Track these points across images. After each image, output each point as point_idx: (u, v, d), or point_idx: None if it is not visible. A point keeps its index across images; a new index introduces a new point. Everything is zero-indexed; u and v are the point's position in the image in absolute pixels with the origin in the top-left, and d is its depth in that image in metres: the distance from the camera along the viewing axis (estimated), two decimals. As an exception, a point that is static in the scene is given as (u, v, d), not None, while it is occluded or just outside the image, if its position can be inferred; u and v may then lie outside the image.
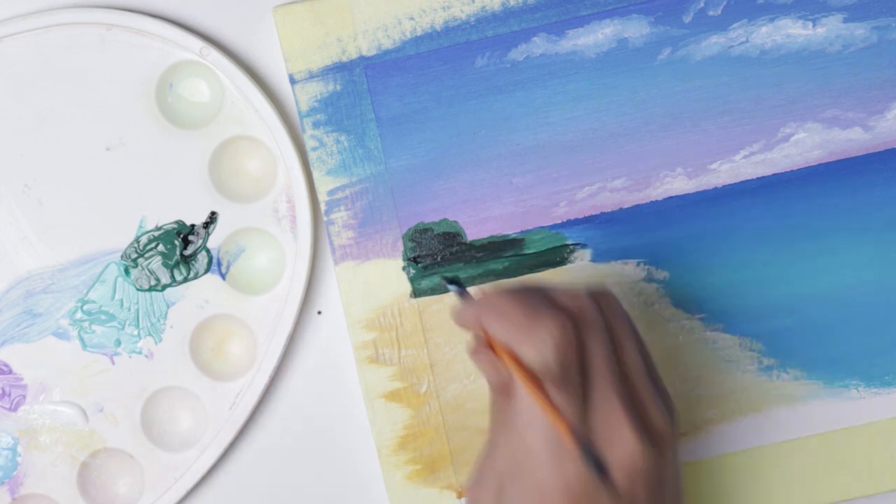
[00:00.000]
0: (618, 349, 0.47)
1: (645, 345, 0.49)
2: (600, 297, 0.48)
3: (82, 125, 0.58)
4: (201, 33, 0.58)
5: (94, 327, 0.59)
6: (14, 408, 0.59)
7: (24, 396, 0.59)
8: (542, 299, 0.46)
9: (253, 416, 0.58)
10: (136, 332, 0.59)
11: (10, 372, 0.59)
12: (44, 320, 0.59)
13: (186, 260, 0.58)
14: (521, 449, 0.45)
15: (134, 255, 0.59)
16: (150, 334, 0.59)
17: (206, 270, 0.59)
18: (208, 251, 0.59)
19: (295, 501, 0.59)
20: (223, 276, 0.59)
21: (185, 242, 0.59)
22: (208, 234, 0.59)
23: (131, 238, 0.59)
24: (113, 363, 0.59)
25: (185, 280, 0.58)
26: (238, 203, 0.58)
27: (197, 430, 0.59)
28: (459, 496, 0.57)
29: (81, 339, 0.59)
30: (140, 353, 0.59)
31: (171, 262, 0.59)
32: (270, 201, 0.58)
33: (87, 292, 0.59)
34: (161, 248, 0.59)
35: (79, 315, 0.59)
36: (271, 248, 0.59)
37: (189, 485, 0.58)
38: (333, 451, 0.59)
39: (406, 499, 0.56)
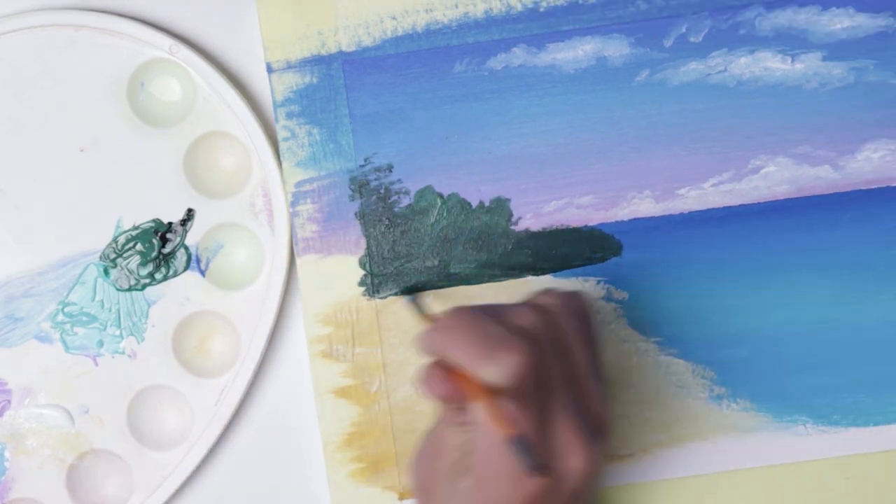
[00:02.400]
0: (567, 355, 0.49)
1: (594, 340, 0.52)
2: (552, 308, 0.50)
3: (55, 127, 0.59)
4: (171, 31, 0.58)
5: (75, 329, 0.60)
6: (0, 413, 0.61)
7: (9, 401, 0.60)
8: (499, 324, 0.48)
9: (238, 412, 0.59)
10: (118, 333, 0.60)
11: None
12: (25, 324, 0.60)
13: (165, 258, 0.59)
14: (479, 459, 0.47)
15: (112, 256, 0.59)
16: (132, 334, 0.60)
17: (186, 268, 0.59)
18: (186, 248, 0.59)
19: (279, 494, 0.59)
20: (203, 273, 0.59)
21: (163, 241, 0.59)
22: (186, 232, 0.59)
23: (109, 238, 0.59)
24: (96, 364, 0.60)
25: (165, 278, 0.59)
26: (214, 199, 0.59)
27: (183, 427, 0.60)
28: (401, 497, 0.57)
29: (64, 342, 0.60)
30: (123, 353, 0.60)
31: (150, 261, 0.60)
32: (247, 196, 0.59)
33: (68, 294, 0.60)
34: (139, 247, 0.59)
35: (60, 317, 0.60)
36: (249, 243, 0.59)
37: (178, 482, 0.59)
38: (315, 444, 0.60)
39: (347, 496, 0.57)
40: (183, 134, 0.59)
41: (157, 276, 0.60)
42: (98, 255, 0.59)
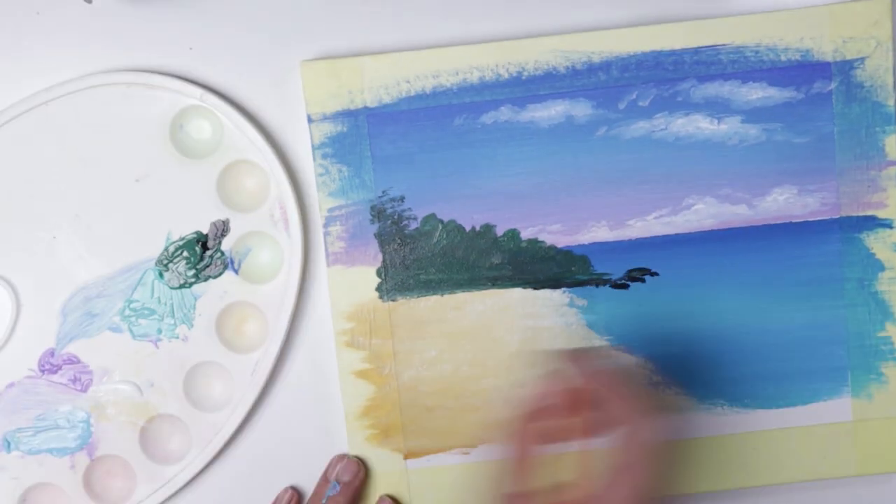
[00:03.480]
0: None
1: None
2: None
3: (115, 163, 0.62)
4: (200, 83, 0.62)
5: (139, 321, 0.63)
6: (84, 389, 0.63)
7: (91, 380, 0.63)
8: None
9: (270, 380, 0.63)
10: (172, 322, 0.63)
11: (79, 361, 0.63)
12: (100, 319, 0.63)
13: (206, 261, 0.62)
14: None
15: (165, 262, 0.62)
16: (183, 322, 0.63)
17: (224, 269, 0.63)
18: (223, 252, 0.63)
19: (308, 451, 0.64)
20: (236, 272, 0.63)
21: (204, 248, 0.62)
22: (221, 242, 0.62)
23: (161, 248, 0.63)
24: (157, 347, 0.63)
25: (207, 278, 0.63)
26: (242, 213, 0.62)
27: (228, 393, 0.63)
28: (405, 458, 0.62)
29: (131, 331, 0.63)
30: (177, 337, 0.63)
31: (195, 264, 0.63)
32: (267, 209, 0.62)
33: (132, 294, 0.63)
34: (185, 254, 0.62)
35: (127, 312, 0.63)
36: (271, 246, 0.63)
37: (226, 437, 0.63)
38: (324, 411, 0.63)
39: (364, 455, 0.62)
40: (214, 163, 0.62)
41: (201, 275, 0.62)
42: (154, 261, 0.63)
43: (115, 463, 0.64)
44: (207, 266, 0.62)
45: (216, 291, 0.63)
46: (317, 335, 0.64)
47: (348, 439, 0.63)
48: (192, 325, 0.63)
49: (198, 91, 0.61)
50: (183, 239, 0.63)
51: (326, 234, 0.62)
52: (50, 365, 0.63)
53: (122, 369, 0.63)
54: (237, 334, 0.64)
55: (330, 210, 0.62)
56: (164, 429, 0.64)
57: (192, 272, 0.63)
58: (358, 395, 0.63)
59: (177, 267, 0.63)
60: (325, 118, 0.61)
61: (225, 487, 0.64)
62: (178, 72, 0.62)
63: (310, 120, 0.61)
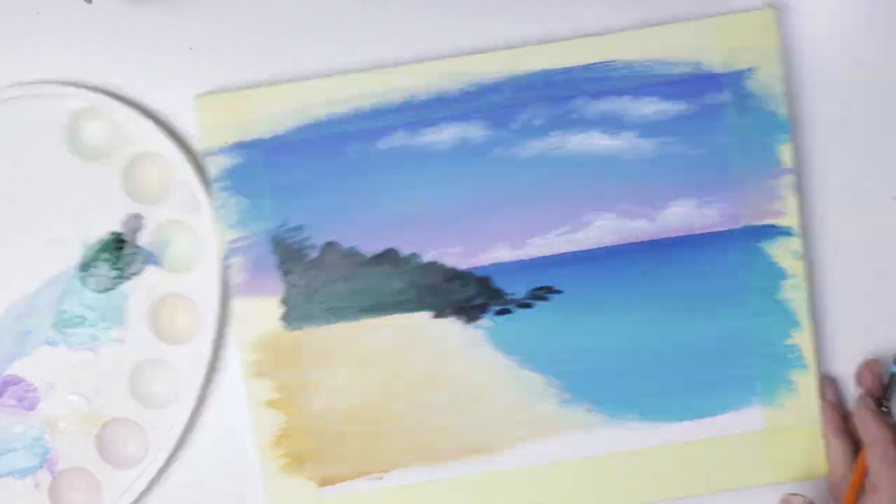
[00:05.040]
0: None
1: None
2: None
3: (16, 177, 0.63)
4: (92, 86, 0.63)
5: (73, 330, 0.64)
6: (32, 407, 0.64)
7: (37, 397, 0.64)
8: None
9: (210, 370, 0.64)
10: (106, 326, 0.64)
11: (22, 381, 0.64)
12: (34, 335, 0.64)
13: (127, 259, 0.64)
14: None
15: (86, 267, 0.64)
16: (116, 324, 0.64)
17: (145, 264, 0.64)
18: (141, 248, 0.64)
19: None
20: (159, 265, 0.64)
21: (122, 246, 0.64)
22: (137, 234, 0.64)
23: (81, 255, 0.64)
24: (96, 354, 0.64)
25: (131, 276, 0.64)
26: (152, 204, 0.64)
27: (174, 387, 0.64)
28: (319, 485, 0.63)
29: (67, 342, 0.64)
30: (114, 340, 0.64)
31: (116, 265, 0.64)
32: (178, 197, 0.64)
33: (60, 304, 0.64)
34: (105, 255, 0.64)
35: (59, 324, 0.64)
36: (188, 233, 0.64)
37: (179, 432, 0.64)
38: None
39: (278, 485, 0.63)
40: (117, 162, 0.63)
41: (125, 275, 0.63)
42: (75, 268, 0.64)
43: (78, 476, 0.65)
44: (129, 264, 0.63)
45: (143, 288, 0.64)
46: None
47: (262, 469, 0.64)
48: (125, 326, 0.64)
49: (87, 93, 0.63)
50: (100, 241, 0.64)
51: (228, 266, 0.63)
52: (-7, 390, 0.64)
53: (65, 381, 0.64)
54: (172, 327, 0.65)
55: (230, 242, 0.63)
56: (118, 433, 0.65)
57: (114, 273, 0.64)
58: (270, 426, 0.64)
59: (99, 270, 0.64)
60: (220, 151, 0.62)
61: (189, 482, 0.66)
62: (69, 79, 0.63)
63: (205, 153, 0.62)
